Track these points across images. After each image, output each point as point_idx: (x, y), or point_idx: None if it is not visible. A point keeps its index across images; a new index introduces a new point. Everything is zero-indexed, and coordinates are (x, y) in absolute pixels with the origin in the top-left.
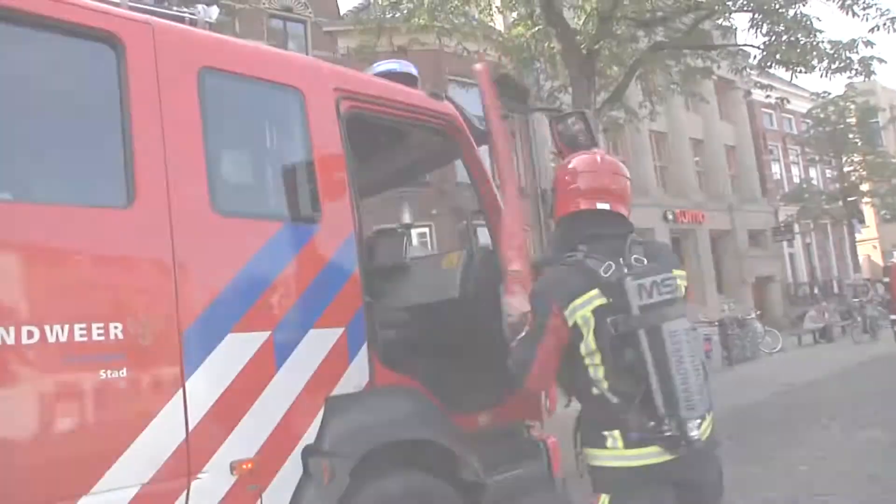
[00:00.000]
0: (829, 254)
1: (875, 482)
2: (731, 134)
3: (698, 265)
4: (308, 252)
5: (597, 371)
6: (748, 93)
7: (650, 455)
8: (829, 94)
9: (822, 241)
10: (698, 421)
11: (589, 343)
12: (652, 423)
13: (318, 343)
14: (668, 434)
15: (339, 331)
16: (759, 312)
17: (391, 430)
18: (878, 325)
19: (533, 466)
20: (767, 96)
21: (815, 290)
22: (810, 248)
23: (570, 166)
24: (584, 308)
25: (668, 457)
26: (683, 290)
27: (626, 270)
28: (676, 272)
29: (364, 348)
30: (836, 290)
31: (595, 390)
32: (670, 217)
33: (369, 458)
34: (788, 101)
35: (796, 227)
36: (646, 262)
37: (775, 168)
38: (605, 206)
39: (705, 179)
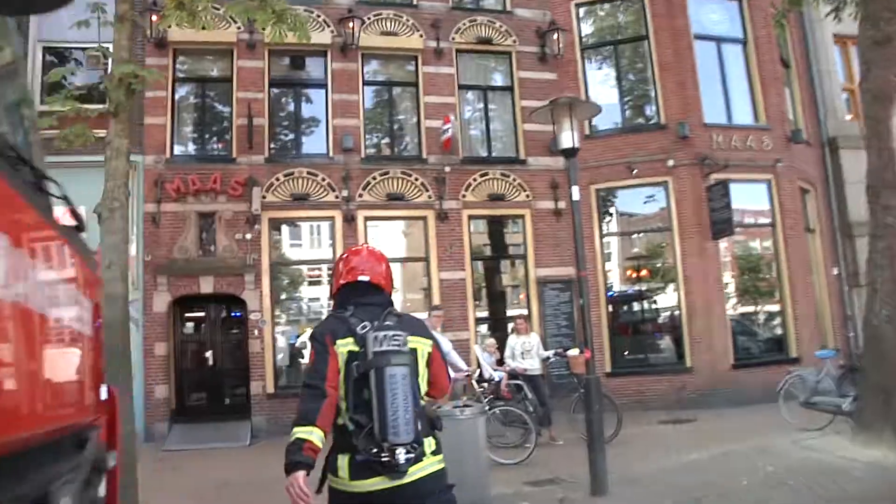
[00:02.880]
0: None
1: None
2: None
3: None
4: None
5: (342, 404)
6: None
7: (371, 484)
8: None
9: None
10: (404, 449)
11: (340, 382)
12: (374, 450)
13: None
14: (384, 459)
15: None
16: None
17: None
18: None
19: None
20: None
21: None
22: None
23: (342, 258)
24: (343, 347)
25: (387, 484)
26: (421, 351)
27: (371, 328)
28: (415, 338)
29: None
30: None
31: (340, 420)
32: None
33: None
34: None
35: None
36: (394, 324)
37: None
38: (366, 279)
39: None
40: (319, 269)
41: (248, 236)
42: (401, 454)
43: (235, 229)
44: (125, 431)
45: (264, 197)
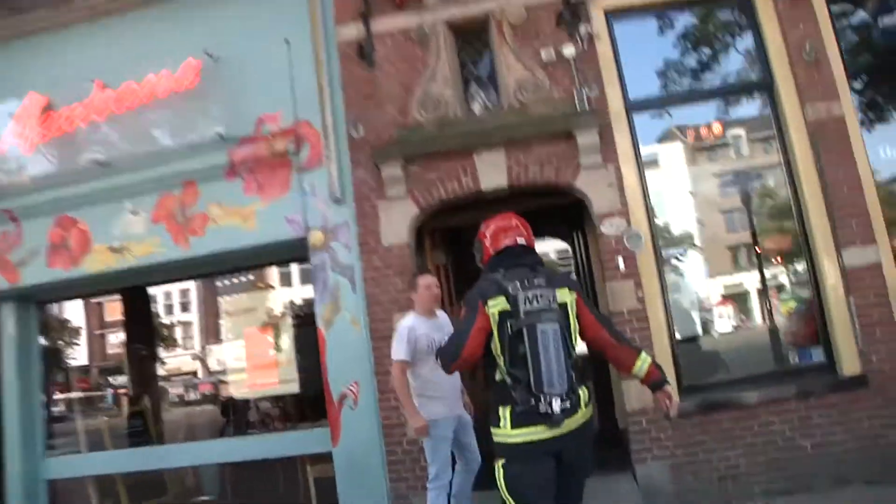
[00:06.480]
0: None
1: None
2: None
3: None
4: None
5: (501, 361)
6: None
7: (531, 433)
8: None
9: None
10: (558, 398)
11: (495, 340)
12: (532, 401)
13: None
14: (542, 411)
15: None
16: None
17: None
18: None
19: None
20: None
21: None
22: None
23: (488, 227)
24: (494, 307)
25: (546, 434)
26: (570, 304)
27: (520, 287)
28: (560, 291)
29: None
30: None
31: (499, 376)
32: None
33: None
34: None
35: None
36: (542, 282)
37: None
38: (522, 241)
39: None
40: (726, 103)
41: (570, 51)
42: (556, 404)
43: (537, 42)
44: None
45: None
